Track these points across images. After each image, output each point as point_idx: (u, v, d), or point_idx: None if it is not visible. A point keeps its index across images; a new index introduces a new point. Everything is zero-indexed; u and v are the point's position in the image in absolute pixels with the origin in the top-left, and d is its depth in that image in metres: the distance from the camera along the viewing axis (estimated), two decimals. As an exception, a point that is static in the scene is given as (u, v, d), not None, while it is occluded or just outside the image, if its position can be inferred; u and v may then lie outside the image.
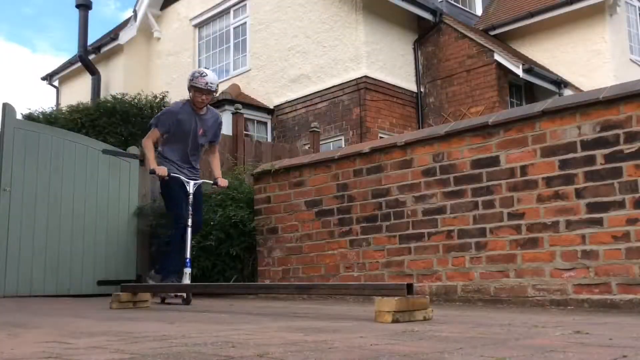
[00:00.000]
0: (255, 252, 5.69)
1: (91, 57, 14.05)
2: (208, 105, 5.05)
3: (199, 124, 4.95)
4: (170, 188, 4.84)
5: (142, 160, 6.88)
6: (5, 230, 5.73)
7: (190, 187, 4.73)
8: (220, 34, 13.38)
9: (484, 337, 1.92)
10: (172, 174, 4.77)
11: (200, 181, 4.95)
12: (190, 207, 4.66)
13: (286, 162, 5.63)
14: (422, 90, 11.56)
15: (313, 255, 5.11)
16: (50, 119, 7.98)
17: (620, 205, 3.44)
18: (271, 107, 11.75)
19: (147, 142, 4.94)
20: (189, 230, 4.61)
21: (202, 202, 5.17)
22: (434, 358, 1.44)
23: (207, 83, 4.80)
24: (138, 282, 6.39)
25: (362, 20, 10.67)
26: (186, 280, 4.51)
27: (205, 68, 4.98)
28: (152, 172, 4.79)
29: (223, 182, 5.09)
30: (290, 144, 10.35)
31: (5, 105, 5.92)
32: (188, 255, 4.55)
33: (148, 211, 6.64)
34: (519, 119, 3.94)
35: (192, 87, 4.84)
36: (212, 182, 5.09)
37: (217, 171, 5.18)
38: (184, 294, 4.38)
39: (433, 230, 4.30)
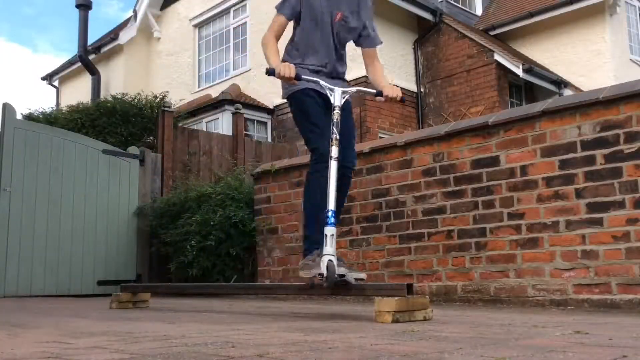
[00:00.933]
0: (255, 252, 5.69)
1: (91, 57, 14.04)
2: None
3: (336, 5, 3.29)
4: (304, 105, 3.24)
5: (142, 160, 6.89)
6: (5, 230, 5.74)
7: (337, 97, 3.06)
8: (220, 34, 13.37)
9: (484, 337, 1.91)
10: (303, 76, 3.09)
11: (353, 89, 3.26)
12: (334, 129, 2.97)
13: (286, 162, 5.63)
14: (422, 90, 11.56)
15: (313, 255, 5.11)
16: (50, 119, 7.99)
17: (620, 205, 3.44)
18: (271, 107, 11.74)
19: (268, 37, 3.32)
20: (334, 165, 2.93)
21: (353, 127, 3.47)
22: (434, 358, 1.44)
23: None
24: (138, 282, 6.39)
25: (362, 20, 10.66)
26: (328, 248, 2.89)
27: None
28: (271, 72, 3.06)
29: (392, 91, 3.23)
30: (290, 144, 10.35)
31: (5, 105, 5.93)
32: (332, 205, 2.91)
33: (148, 211, 6.64)
34: (519, 119, 3.94)
35: None
36: (374, 91, 3.30)
37: (381, 79, 3.37)
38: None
39: (433, 230, 4.30)
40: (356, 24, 3.34)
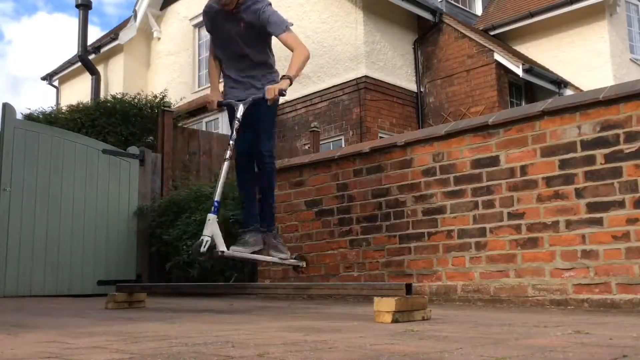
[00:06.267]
0: (255, 252, 5.68)
1: (91, 57, 14.04)
2: None
3: (234, 21, 3.65)
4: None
5: (142, 160, 6.88)
6: (5, 230, 5.73)
7: (239, 110, 3.59)
8: (220, 33, 13.37)
9: (484, 337, 1.91)
10: (219, 102, 3.81)
11: (249, 99, 3.63)
12: (234, 134, 3.55)
13: (286, 162, 5.63)
14: (422, 90, 11.57)
15: (313, 255, 5.11)
16: (50, 119, 7.99)
17: (620, 205, 3.43)
18: (271, 107, 11.73)
19: (209, 59, 3.98)
20: (225, 164, 3.52)
21: (264, 125, 3.80)
22: (434, 358, 1.44)
23: None
24: (138, 282, 6.39)
25: (362, 20, 10.67)
26: (207, 228, 3.44)
27: None
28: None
29: (269, 93, 3.49)
30: (290, 144, 10.34)
31: (5, 105, 5.92)
32: (217, 197, 3.52)
33: (148, 211, 6.64)
34: (519, 118, 3.94)
35: None
36: (261, 95, 3.61)
37: (290, 68, 3.56)
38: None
39: (433, 230, 4.30)
40: (257, 27, 3.73)
